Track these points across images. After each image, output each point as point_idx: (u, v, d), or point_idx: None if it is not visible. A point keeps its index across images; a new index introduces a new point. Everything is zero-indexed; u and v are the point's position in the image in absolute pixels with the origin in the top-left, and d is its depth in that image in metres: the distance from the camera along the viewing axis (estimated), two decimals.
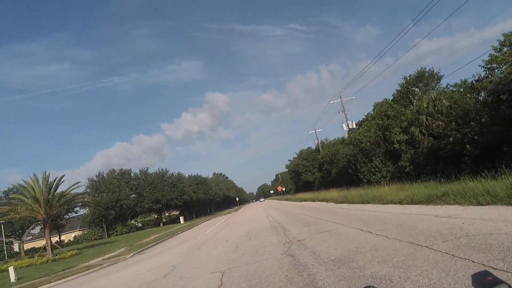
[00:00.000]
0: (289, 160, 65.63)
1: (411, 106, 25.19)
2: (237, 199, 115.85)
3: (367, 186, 24.64)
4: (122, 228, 47.63)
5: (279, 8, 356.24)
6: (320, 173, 45.64)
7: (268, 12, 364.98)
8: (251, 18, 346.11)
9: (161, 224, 51.95)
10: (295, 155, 65.07)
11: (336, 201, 22.18)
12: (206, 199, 62.31)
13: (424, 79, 28.74)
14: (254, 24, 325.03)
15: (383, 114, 28.11)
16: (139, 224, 54.27)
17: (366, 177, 25.98)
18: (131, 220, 55.34)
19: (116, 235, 45.93)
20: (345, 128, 39.75)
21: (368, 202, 15.80)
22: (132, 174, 52.42)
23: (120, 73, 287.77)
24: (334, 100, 41.76)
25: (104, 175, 49.98)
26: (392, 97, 30.99)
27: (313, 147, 62.83)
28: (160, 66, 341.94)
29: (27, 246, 47.31)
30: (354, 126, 38.78)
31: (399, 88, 30.12)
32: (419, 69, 29.31)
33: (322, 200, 28.33)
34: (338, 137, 41.45)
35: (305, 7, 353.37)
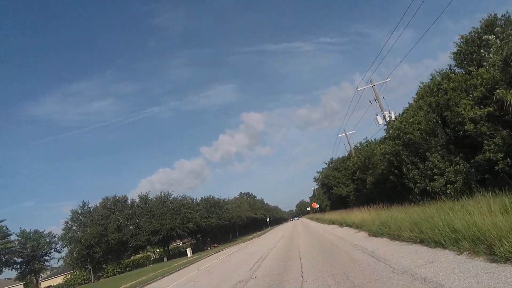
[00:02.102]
0: (317, 172, 56.03)
1: (484, 63, 15.80)
2: (268, 220, 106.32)
3: (421, 201, 15.34)
4: (114, 268, 40.41)
5: (308, 24, 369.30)
6: (354, 184, 35.88)
7: (298, 29, 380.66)
8: (282, 36, 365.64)
9: (165, 259, 44.24)
10: (325, 166, 55.41)
11: (370, 231, 13.01)
12: (223, 224, 54.14)
13: (496, 27, 19.02)
14: (285, 42, 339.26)
15: (435, 89, 18.74)
16: (153, 255, 47.26)
17: (418, 185, 16.55)
18: (134, 254, 48.30)
19: (107, 276, 38.87)
20: (380, 121, 30.24)
21: (440, 245, 6.76)
22: (128, 201, 45.72)
23: (159, 102, 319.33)
24: (362, 87, 32.49)
25: (97, 204, 43.66)
26: (447, 68, 21.35)
27: (346, 154, 53.04)
28: (197, 92, 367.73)
29: None
30: (393, 118, 29.24)
31: (455, 51, 20.50)
32: (488, 17, 19.64)
33: (351, 225, 19.14)
34: (373, 139, 31.77)
35: (334, 19, 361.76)
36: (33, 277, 37.30)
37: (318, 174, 55.23)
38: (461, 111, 14.24)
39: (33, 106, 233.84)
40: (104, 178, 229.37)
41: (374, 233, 12.02)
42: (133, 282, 23.62)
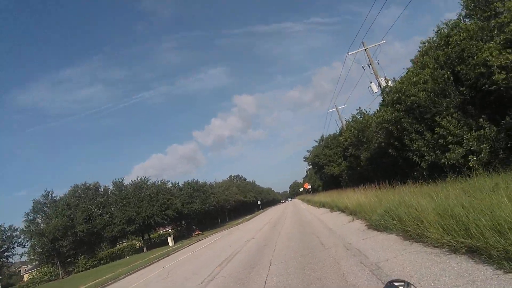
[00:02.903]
0: (308, 151, 52.81)
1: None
2: (259, 202, 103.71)
3: (430, 179, 12.16)
4: (87, 262, 37.15)
5: (298, 3, 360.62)
6: (346, 162, 32.67)
7: (288, 8, 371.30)
8: (272, 17, 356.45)
9: (145, 249, 41.07)
10: (315, 144, 52.16)
11: (369, 222, 9.68)
12: (208, 209, 51.00)
13: None
14: (275, 23, 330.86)
15: (443, 42, 15.26)
16: (138, 244, 44.04)
17: (427, 158, 13.24)
18: (116, 244, 45.08)
19: (78, 271, 35.70)
20: (375, 89, 26.86)
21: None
22: (101, 189, 42.04)
23: (150, 87, 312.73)
24: (354, 50, 28.87)
25: (66, 193, 39.89)
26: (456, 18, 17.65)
27: (337, 131, 49.81)
28: (187, 76, 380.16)
29: None
30: (390, 84, 25.79)
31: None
32: None
33: (343, 210, 15.92)
34: (368, 110, 28.20)
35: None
36: None
37: (309, 153, 52.04)
38: (487, 57, 10.75)
39: (21, 94, 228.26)
40: (97, 165, 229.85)
41: (375, 225, 8.67)
42: (91, 284, 20.30)
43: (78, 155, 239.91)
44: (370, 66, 27.70)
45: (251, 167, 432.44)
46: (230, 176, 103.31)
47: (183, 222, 55.15)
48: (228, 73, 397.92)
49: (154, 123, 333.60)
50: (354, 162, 28.83)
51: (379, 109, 23.02)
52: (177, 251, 31.67)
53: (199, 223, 58.11)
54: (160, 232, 58.86)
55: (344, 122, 40.45)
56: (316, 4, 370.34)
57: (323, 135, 51.18)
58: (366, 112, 25.05)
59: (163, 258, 27.57)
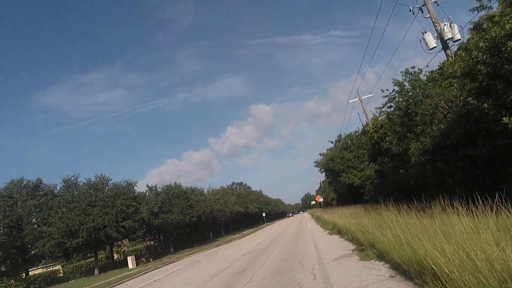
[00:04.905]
0: (320, 155, 42.52)
1: None
2: (264, 214, 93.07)
3: None
4: (9, 286, 27.74)
5: (318, 17, 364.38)
6: (376, 164, 22.36)
7: (308, 21, 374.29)
8: (291, 29, 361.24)
9: (96, 271, 31.48)
10: (331, 145, 41.91)
11: None
12: (190, 221, 40.94)
13: None
14: (294, 35, 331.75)
15: None
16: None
17: None
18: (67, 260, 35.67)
19: None
20: (432, 42, 16.87)
21: None
22: (42, 187, 32.70)
23: (168, 94, 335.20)
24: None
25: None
26: None
27: (359, 128, 39.51)
28: (205, 84, 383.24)
29: None
30: (459, 39, 15.77)
31: None
32: None
33: (388, 260, 5.65)
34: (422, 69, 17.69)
35: (345, 13, 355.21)
36: None
37: (321, 157, 41.69)
38: None
39: (45, 96, 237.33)
40: (112, 169, 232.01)
41: None
42: None
43: (94, 157, 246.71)
44: (423, 8, 17.89)
45: (265, 176, 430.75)
46: (233, 183, 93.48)
47: (160, 236, 45.46)
48: (245, 82, 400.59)
49: (171, 129, 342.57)
50: (391, 163, 18.69)
51: (452, 65, 13.02)
52: (131, 279, 22.27)
53: (179, 239, 48.14)
54: (132, 247, 49.12)
55: (370, 117, 30.22)
56: (336, 17, 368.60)
57: (340, 135, 41.01)
58: (420, 71, 14.92)
59: None
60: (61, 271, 37.21)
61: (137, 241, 48.63)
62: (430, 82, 14.23)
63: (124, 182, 34.13)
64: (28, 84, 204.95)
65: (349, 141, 37.65)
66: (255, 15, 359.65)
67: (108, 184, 33.27)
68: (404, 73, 14.71)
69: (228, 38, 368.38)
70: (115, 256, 42.55)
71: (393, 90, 15.85)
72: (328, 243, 13.99)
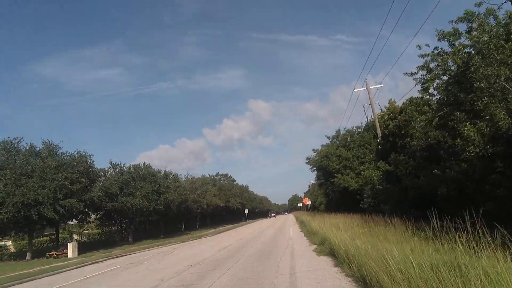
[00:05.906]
0: (313, 151, 37.29)
1: None
2: (246, 211, 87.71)
3: None
4: None
5: (326, 19, 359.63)
6: (386, 165, 17.05)
7: (315, 22, 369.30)
8: (297, 28, 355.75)
9: (28, 256, 26.01)
10: (328, 141, 36.62)
11: None
12: (155, 209, 35.40)
13: None
14: (300, 34, 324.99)
15: None
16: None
17: None
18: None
19: None
20: None
21: None
22: None
23: (167, 78, 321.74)
24: None
25: None
26: None
27: (363, 123, 34.23)
28: (206, 73, 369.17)
29: None
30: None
31: None
32: None
33: None
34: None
35: (354, 18, 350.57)
36: None
37: (314, 154, 36.43)
38: None
39: (40, 66, 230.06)
40: (101, 147, 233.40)
41: None
42: None
43: (86, 134, 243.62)
44: None
45: (255, 173, 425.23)
46: (217, 174, 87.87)
47: (122, 224, 39.90)
48: (246, 76, 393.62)
49: (166, 114, 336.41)
50: (411, 163, 13.49)
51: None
52: (66, 270, 17.06)
53: (142, 228, 42.57)
54: (85, 232, 43.38)
55: (378, 111, 25.01)
56: (344, 22, 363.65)
57: (339, 130, 35.78)
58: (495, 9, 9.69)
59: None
60: None
61: (94, 225, 43.02)
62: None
63: (77, 153, 28.61)
64: (24, 53, 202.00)
65: (348, 138, 32.48)
66: (262, 9, 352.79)
67: (57, 153, 27.81)
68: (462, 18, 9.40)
69: (233, 29, 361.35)
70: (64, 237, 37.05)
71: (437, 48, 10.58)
72: (315, 277, 8.26)
